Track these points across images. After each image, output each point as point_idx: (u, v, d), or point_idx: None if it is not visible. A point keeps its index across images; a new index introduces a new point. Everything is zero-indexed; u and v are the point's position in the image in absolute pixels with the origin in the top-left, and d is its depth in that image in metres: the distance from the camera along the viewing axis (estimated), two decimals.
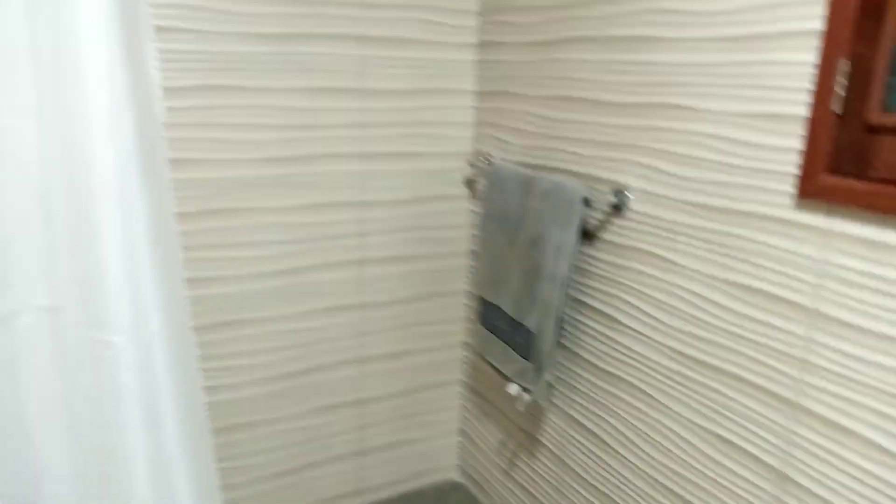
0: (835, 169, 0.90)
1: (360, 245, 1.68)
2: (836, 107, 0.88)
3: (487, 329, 1.60)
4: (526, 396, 1.48)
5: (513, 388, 1.50)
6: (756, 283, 1.03)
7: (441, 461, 1.99)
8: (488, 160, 1.62)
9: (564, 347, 1.46)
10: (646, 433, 1.28)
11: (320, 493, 1.81)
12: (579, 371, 1.44)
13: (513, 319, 1.49)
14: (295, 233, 1.59)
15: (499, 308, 1.54)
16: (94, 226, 0.93)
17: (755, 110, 1.00)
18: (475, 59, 1.69)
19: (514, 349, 1.49)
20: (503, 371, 1.55)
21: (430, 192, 1.73)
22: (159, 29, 1.33)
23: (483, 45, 1.66)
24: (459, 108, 1.70)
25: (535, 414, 1.60)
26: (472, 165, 1.71)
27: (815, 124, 0.91)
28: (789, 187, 0.96)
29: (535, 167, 1.49)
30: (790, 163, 0.96)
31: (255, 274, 1.57)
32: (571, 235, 1.31)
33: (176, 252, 1.05)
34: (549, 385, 1.45)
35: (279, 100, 1.49)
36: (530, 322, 1.42)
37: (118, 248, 0.94)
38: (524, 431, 1.67)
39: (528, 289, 1.42)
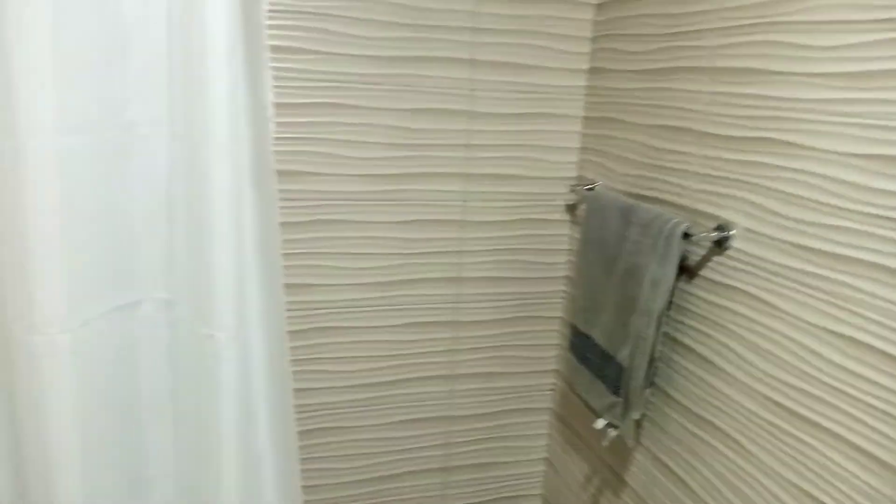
0: None
1: (458, 264, 1.70)
2: None
3: (578, 359, 1.58)
4: (612, 432, 1.44)
5: (599, 423, 1.46)
6: (862, 336, 0.95)
7: (525, 488, 1.97)
8: (590, 186, 1.60)
9: (656, 386, 1.41)
10: (734, 483, 1.21)
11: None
12: (670, 412, 1.38)
13: (604, 352, 1.45)
14: (395, 247, 1.64)
15: (591, 338, 1.51)
16: (208, 231, 1.01)
17: (869, 151, 0.93)
18: (585, 85, 1.68)
19: (603, 382, 1.46)
20: (591, 404, 1.52)
21: (530, 216, 1.73)
22: (278, 48, 1.43)
23: (593, 71, 1.65)
24: (565, 133, 1.70)
25: (621, 451, 1.56)
26: (573, 191, 1.70)
27: None
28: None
29: (637, 196, 1.46)
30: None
31: (354, 284, 1.63)
32: (669, 270, 1.27)
33: (278, 259, 1.12)
34: (637, 423, 1.41)
35: (388, 119, 1.55)
36: (622, 356, 1.38)
37: (228, 252, 1.02)
38: (609, 467, 1.62)
39: (622, 321, 1.39)
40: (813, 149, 1.03)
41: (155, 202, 1.02)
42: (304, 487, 1.68)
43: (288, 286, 1.56)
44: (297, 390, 1.63)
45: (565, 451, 1.84)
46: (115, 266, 1.00)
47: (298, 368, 1.63)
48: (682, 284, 1.32)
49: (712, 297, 1.25)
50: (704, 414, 1.28)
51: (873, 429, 0.94)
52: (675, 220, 1.26)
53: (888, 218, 0.91)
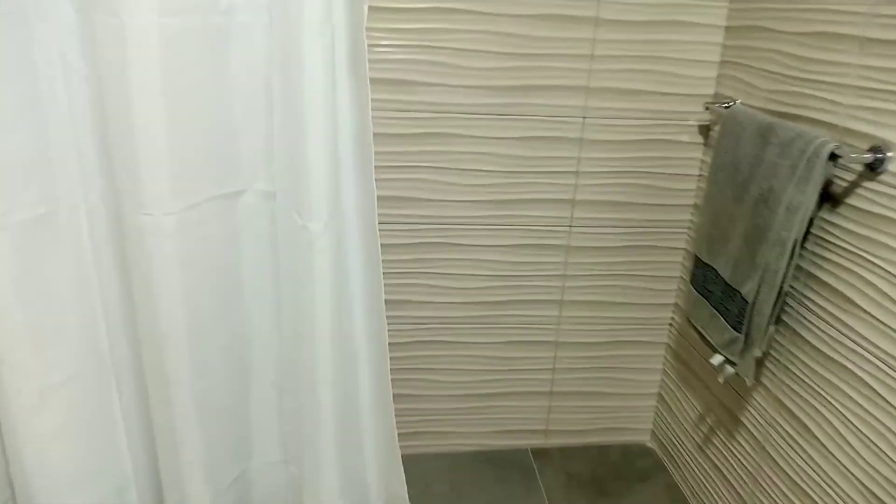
0: None
1: (574, 186, 1.63)
2: None
3: (699, 292, 1.47)
4: (729, 369, 1.34)
5: (716, 359, 1.37)
6: None
7: (633, 423, 1.91)
8: (726, 104, 1.45)
9: (783, 323, 1.29)
10: (862, 432, 1.10)
11: (506, 425, 1.85)
12: (796, 352, 1.26)
13: (727, 285, 1.35)
14: (508, 164, 1.58)
15: (714, 270, 1.41)
16: (303, 121, 1.00)
17: None
18: None
19: (724, 317, 1.36)
20: (710, 339, 1.43)
21: (657, 136, 1.60)
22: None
23: None
24: (703, 44, 1.54)
25: (739, 391, 1.46)
26: (708, 109, 1.55)
27: None
28: None
29: (780, 115, 1.30)
30: None
31: (463, 202, 1.60)
32: (810, 195, 1.13)
33: (370, 151, 1.08)
34: (758, 362, 1.30)
35: (503, 25, 1.47)
36: (747, 289, 1.27)
37: (322, 143, 1.01)
38: (725, 408, 1.53)
39: (750, 252, 1.27)
40: None
41: (253, 90, 1.03)
42: (409, 396, 1.74)
43: (398, 199, 1.57)
44: (407, 302, 1.67)
45: (679, 389, 1.76)
46: (218, 154, 1.03)
47: (409, 281, 1.65)
48: (823, 213, 1.18)
49: (858, 228, 1.11)
50: (835, 356, 1.16)
51: None
52: (822, 139, 1.11)
53: None
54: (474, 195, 1.60)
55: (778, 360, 1.31)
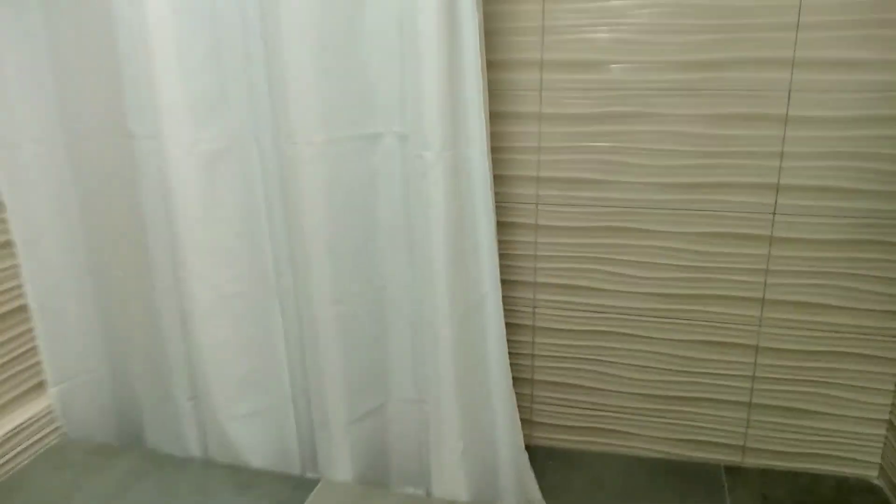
0: None
1: (777, 168, 1.46)
2: None
3: None
4: None
5: None
6: None
7: (855, 453, 1.63)
8: None
9: None
10: None
11: (694, 434, 1.70)
12: None
13: None
14: (697, 144, 1.48)
15: None
16: (421, 66, 1.08)
17: None
18: None
19: None
20: None
21: (884, 111, 1.38)
22: None
23: None
24: None
25: None
26: None
27: None
28: None
29: None
30: None
31: (647, 183, 1.52)
32: None
33: (480, 98, 1.11)
34: None
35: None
36: None
37: (437, 86, 1.07)
38: None
39: None
40: None
41: (387, 42, 1.12)
42: (584, 388, 1.69)
43: (576, 181, 1.55)
44: (583, 288, 1.62)
45: None
46: (358, 99, 1.13)
47: (586, 266, 1.61)
48: None
49: None
50: None
51: None
52: None
53: None
54: (659, 177, 1.51)
55: None
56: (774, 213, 1.49)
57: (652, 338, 1.64)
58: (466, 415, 1.22)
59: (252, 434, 1.32)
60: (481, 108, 1.11)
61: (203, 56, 1.13)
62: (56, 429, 1.42)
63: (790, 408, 1.62)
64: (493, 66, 1.49)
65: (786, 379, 1.60)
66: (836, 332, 1.55)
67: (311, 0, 1.05)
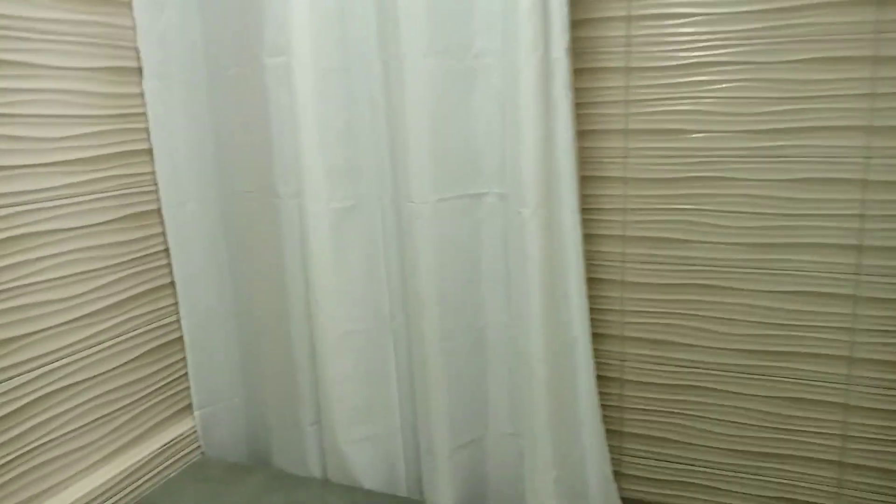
0: None
1: (858, 230, 1.54)
2: None
3: None
4: None
5: None
6: None
7: None
8: None
9: None
10: None
11: (787, 492, 1.71)
12: None
13: None
14: (778, 207, 1.58)
15: None
16: (521, 135, 1.27)
17: None
18: None
19: None
20: None
21: None
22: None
23: None
24: None
25: None
26: None
27: None
28: None
29: None
30: None
31: (731, 244, 1.63)
32: None
33: (572, 161, 1.30)
34: None
35: (770, 73, 1.52)
36: None
37: (533, 151, 1.26)
38: None
39: None
40: None
41: (492, 114, 1.32)
42: (674, 442, 1.77)
43: (664, 240, 1.68)
44: (673, 343, 1.73)
45: None
46: (466, 164, 1.33)
47: (674, 322, 1.71)
48: None
49: None
50: None
51: None
52: None
53: None
54: (742, 237, 1.62)
55: None
56: (858, 274, 1.56)
57: (739, 393, 1.70)
58: (558, 447, 1.34)
59: (365, 457, 1.49)
60: (572, 172, 1.28)
61: (339, 131, 1.37)
62: (197, 447, 1.63)
63: (885, 469, 1.62)
64: (584, 135, 1.68)
65: (881, 439, 1.61)
66: None
67: (427, 84, 1.27)
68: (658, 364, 1.76)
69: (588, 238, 1.71)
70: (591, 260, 1.74)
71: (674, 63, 1.60)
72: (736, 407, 1.71)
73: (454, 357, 1.40)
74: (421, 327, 1.38)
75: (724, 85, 1.57)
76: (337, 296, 1.42)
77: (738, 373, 1.69)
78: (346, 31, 1.34)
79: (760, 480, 1.72)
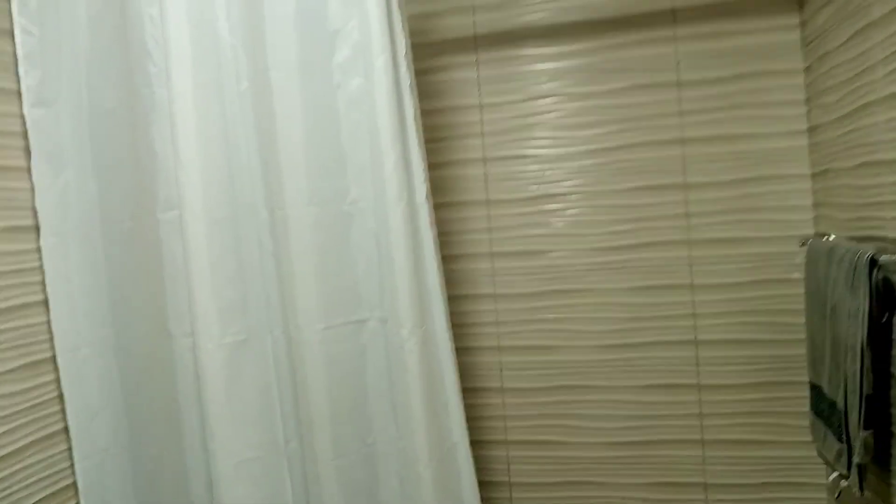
0: None
1: (693, 327, 1.80)
2: None
3: (815, 413, 1.52)
4: (843, 483, 1.35)
5: (831, 475, 1.39)
6: None
7: None
8: (808, 240, 1.60)
9: (887, 430, 1.31)
10: None
11: None
12: None
13: (829, 398, 1.41)
14: (626, 311, 1.82)
15: (819, 388, 1.47)
16: (394, 266, 1.43)
17: None
18: (808, 143, 1.71)
19: (832, 431, 1.40)
20: (825, 457, 1.45)
21: (769, 276, 1.75)
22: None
23: (812, 129, 1.68)
24: (795, 191, 1.72)
25: None
26: (804, 245, 1.69)
27: None
28: None
29: (856, 239, 1.44)
30: None
31: (590, 346, 1.85)
32: (861, 299, 1.24)
33: (439, 284, 1.48)
34: (861, 469, 1.31)
35: (602, 199, 1.81)
36: (839, 399, 1.34)
37: (407, 278, 1.43)
38: None
39: (835, 363, 1.35)
40: None
41: (369, 252, 1.48)
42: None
43: (533, 347, 1.88)
44: (550, 442, 1.89)
45: None
46: (349, 294, 1.47)
47: (549, 423, 1.89)
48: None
49: None
50: None
51: None
52: (861, 248, 1.25)
53: None
54: (599, 340, 1.85)
55: (893, 469, 1.31)
56: (698, 365, 1.80)
57: (617, 483, 1.87)
58: None
59: None
60: (441, 295, 1.46)
61: (229, 273, 1.49)
62: None
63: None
64: (457, 259, 1.89)
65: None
66: (771, 464, 1.79)
67: (310, 228, 1.44)
68: (542, 464, 1.91)
69: (468, 350, 1.90)
70: (472, 370, 1.91)
71: (526, 195, 1.86)
72: (617, 497, 1.87)
73: (348, 473, 1.49)
74: (314, 448, 1.47)
75: (569, 211, 1.84)
76: (232, 426, 1.50)
77: (612, 464, 1.87)
78: (235, 183, 1.49)
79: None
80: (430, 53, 1.88)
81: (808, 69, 1.67)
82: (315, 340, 1.47)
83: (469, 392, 1.89)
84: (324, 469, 1.48)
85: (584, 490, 1.88)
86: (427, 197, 1.43)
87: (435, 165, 1.86)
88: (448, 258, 1.89)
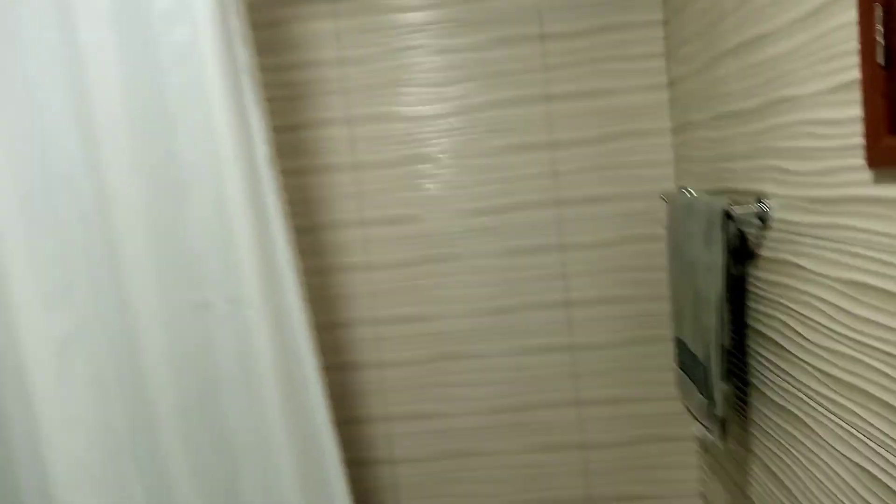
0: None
1: (565, 287, 1.77)
2: (880, 58, 0.76)
3: (681, 369, 1.53)
4: (708, 436, 1.37)
5: (696, 428, 1.40)
6: (863, 278, 0.87)
7: None
8: (670, 195, 1.59)
9: (745, 381, 1.33)
10: (816, 476, 1.09)
11: None
12: (762, 408, 1.28)
13: (692, 352, 1.41)
14: (498, 276, 1.77)
15: (684, 343, 1.48)
16: (238, 240, 1.30)
17: (829, 85, 0.89)
18: (668, 98, 1.70)
19: (696, 385, 1.41)
20: (691, 410, 1.46)
21: (635, 231, 1.75)
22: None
23: (672, 83, 1.67)
24: (658, 146, 1.72)
25: (740, 462, 1.45)
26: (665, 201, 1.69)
27: (866, 82, 0.79)
28: (861, 160, 0.83)
29: (712, 192, 1.43)
30: (858, 133, 0.83)
31: (468, 312, 1.79)
32: (717, 253, 1.23)
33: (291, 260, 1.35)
34: (723, 423, 1.33)
35: (472, 160, 1.74)
36: (702, 353, 1.34)
37: (249, 255, 1.30)
38: (739, 487, 1.50)
39: (695, 317, 1.35)
40: (802, 97, 0.99)
41: (211, 227, 1.34)
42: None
43: (412, 317, 1.79)
44: (431, 415, 1.83)
45: (714, 483, 1.72)
46: (192, 274, 1.34)
47: (424, 394, 1.82)
48: (750, 269, 1.27)
49: (771, 276, 1.19)
50: (784, 403, 1.18)
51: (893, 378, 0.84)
52: (716, 202, 1.24)
53: (852, 147, 0.86)
54: (474, 305, 1.79)
55: (756, 421, 1.33)
56: (571, 325, 1.79)
57: (494, 450, 1.84)
58: None
59: None
60: (292, 269, 1.34)
61: (50, 254, 1.31)
62: None
63: (624, 496, 1.83)
64: (325, 227, 1.77)
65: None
66: (643, 420, 1.81)
67: (140, 200, 1.28)
68: (423, 437, 1.84)
69: (341, 325, 1.80)
70: (346, 345, 1.81)
71: (395, 156, 1.76)
72: (495, 465, 1.83)
73: (203, 469, 1.36)
74: (163, 446, 1.33)
75: (439, 173, 1.76)
76: (66, 425, 1.33)
77: (493, 430, 1.83)
78: (46, 152, 1.30)
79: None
80: (280, 2, 1.72)
81: (666, 22, 1.65)
82: (154, 326, 1.32)
83: (344, 367, 1.81)
84: (176, 467, 1.34)
85: (466, 460, 1.84)
86: (269, 159, 1.30)
87: (292, 126, 1.73)
88: (315, 227, 1.78)
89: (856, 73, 0.82)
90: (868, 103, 0.79)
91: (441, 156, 1.75)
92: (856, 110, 0.82)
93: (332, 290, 1.79)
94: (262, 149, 1.29)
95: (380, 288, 1.80)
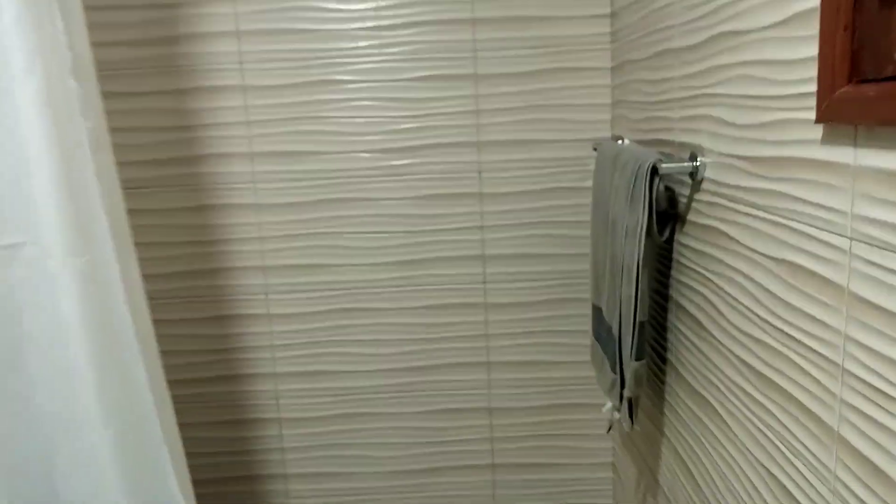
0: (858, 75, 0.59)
1: (481, 241, 1.60)
2: None
3: (595, 337, 1.38)
4: (616, 416, 1.23)
5: (605, 406, 1.27)
6: (798, 259, 0.72)
7: (594, 497, 1.75)
8: (603, 144, 1.41)
9: (663, 359, 1.19)
10: (722, 471, 0.97)
11: (447, 503, 1.74)
12: (678, 389, 1.15)
13: (607, 323, 1.26)
14: (409, 224, 1.58)
15: (600, 310, 1.32)
16: (33, 174, 1.06)
17: (782, 16, 0.71)
18: (610, 31, 1.50)
19: (608, 359, 1.26)
20: (601, 385, 1.32)
21: (561, 184, 1.57)
22: None
23: (614, 14, 1.47)
24: (595, 87, 1.53)
25: (652, 443, 1.33)
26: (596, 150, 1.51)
27: (826, 9, 0.61)
28: (811, 114, 0.66)
29: (645, 143, 1.26)
30: (811, 79, 0.65)
31: (367, 265, 1.60)
32: (639, 214, 1.06)
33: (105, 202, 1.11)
34: (632, 403, 1.19)
35: (384, 92, 1.52)
36: (614, 325, 1.19)
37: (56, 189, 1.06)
38: (649, 468, 1.39)
39: (613, 285, 1.19)
40: (749, 32, 0.81)
41: (7, 154, 1.07)
42: (337, 474, 1.71)
43: (299, 267, 1.60)
44: (322, 373, 1.65)
45: (624, 454, 1.61)
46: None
47: (321, 350, 1.64)
48: (678, 236, 1.11)
49: (696, 244, 1.03)
50: (700, 388, 1.05)
51: (809, 376, 0.70)
52: (644, 155, 1.06)
53: (800, 94, 0.68)
54: (379, 257, 1.60)
55: (669, 401, 1.20)
56: (485, 282, 1.62)
57: (394, 413, 1.68)
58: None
59: None
60: (113, 210, 1.10)
61: None
62: None
63: (530, 464, 1.72)
64: (208, 159, 1.54)
65: (521, 436, 1.70)
66: (555, 385, 1.68)
67: None
68: (313, 397, 1.68)
69: (227, 271, 1.59)
70: (234, 295, 1.61)
71: (291, 81, 1.52)
72: (393, 427, 1.69)
73: (7, 449, 1.15)
74: None
75: (344, 104, 1.53)
76: None
77: (392, 392, 1.68)
78: None
79: (423, 497, 1.73)
80: None
81: None
82: None
83: (231, 320, 1.62)
84: None
85: (358, 422, 1.68)
86: (78, 71, 1.04)
87: (168, 39, 1.48)
88: (195, 159, 1.54)
89: (815, 0, 0.64)
90: (825, 39, 0.61)
91: (347, 84, 1.53)
92: (811, 49, 0.65)
93: (214, 233, 1.57)
94: (65, 56, 1.03)
95: (270, 234, 1.59)
